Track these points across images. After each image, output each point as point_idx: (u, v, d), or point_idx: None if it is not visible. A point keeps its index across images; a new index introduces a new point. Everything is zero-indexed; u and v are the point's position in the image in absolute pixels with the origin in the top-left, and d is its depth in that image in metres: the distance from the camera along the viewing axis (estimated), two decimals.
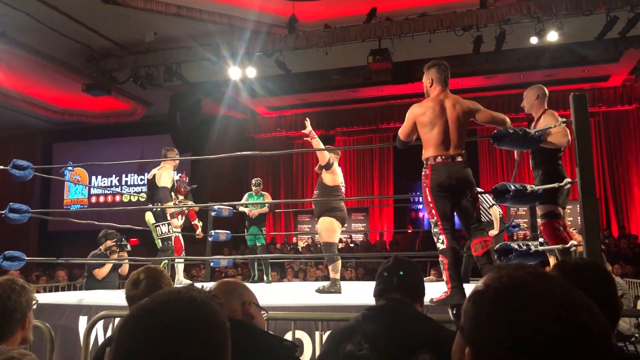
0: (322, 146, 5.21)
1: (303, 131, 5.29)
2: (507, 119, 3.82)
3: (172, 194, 6.10)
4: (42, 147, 15.97)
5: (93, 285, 6.21)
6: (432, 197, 3.63)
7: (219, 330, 0.86)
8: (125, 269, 6.64)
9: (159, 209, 5.82)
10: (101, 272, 6.09)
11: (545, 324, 0.70)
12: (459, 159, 3.66)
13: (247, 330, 1.77)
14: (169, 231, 5.85)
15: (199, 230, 7.06)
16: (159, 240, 5.83)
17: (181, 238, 6.97)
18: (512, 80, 11.85)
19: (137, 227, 6.58)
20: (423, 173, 3.71)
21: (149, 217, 5.99)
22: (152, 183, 5.93)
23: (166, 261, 5.70)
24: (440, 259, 3.63)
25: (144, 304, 0.85)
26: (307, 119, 5.38)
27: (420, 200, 16.06)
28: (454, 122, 3.66)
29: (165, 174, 5.87)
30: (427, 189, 3.66)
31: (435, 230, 3.65)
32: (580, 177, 3.20)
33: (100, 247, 6.09)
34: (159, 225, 5.80)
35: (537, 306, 0.71)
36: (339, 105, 14.08)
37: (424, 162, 3.71)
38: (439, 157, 3.63)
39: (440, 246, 3.61)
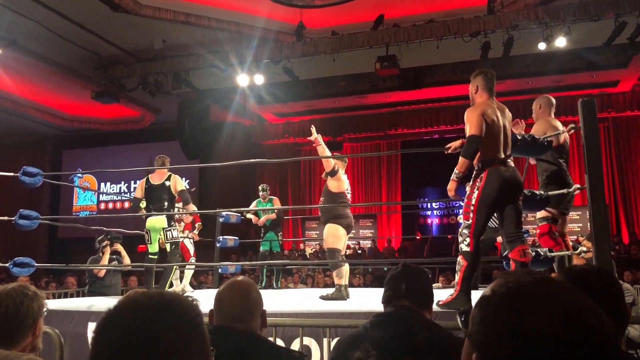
0: (327, 153, 5.22)
1: (309, 138, 5.29)
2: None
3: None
4: (51, 154, 16.08)
5: (96, 288, 6.28)
6: (482, 202, 3.50)
7: (189, 317, 0.89)
8: (126, 260, 6.67)
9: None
10: (100, 270, 6.28)
11: (551, 328, 0.70)
12: (511, 164, 3.59)
13: (254, 341, 1.77)
14: (177, 235, 5.88)
15: (196, 231, 7.14)
16: (168, 244, 5.83)
17: (188, 243, 7.00)
18: (520, 86, 11.82)
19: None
20: (476, 175, 3.58)
21: (162, 221, 5.91)
22: (162, 188, 5.87)
23: (176, 267, 5.73)
24: (459, 259, 3.56)
25: (118, 305, 0.89)
26: (312, 125, 5.38)
27: (428, 206, 16.05)
28: (506, 128, 3.61)
29: (179, 179, 5.92)
30: (477, 191, 3.52)
31: (465, 231, 3.53)
32: (589, 183, 3.19)
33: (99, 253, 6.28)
34: (170, 230, 5.79)
35: (543, 311, 0.72)
36: (347, 112, 14.08)
37: (479, 164, 3.57)
38: (497, 162, 3.52)
39: (464, 247, 3.51)
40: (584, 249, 3.74)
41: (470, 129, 3.52)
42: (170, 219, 5.81)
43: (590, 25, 8.19)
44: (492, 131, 3.51)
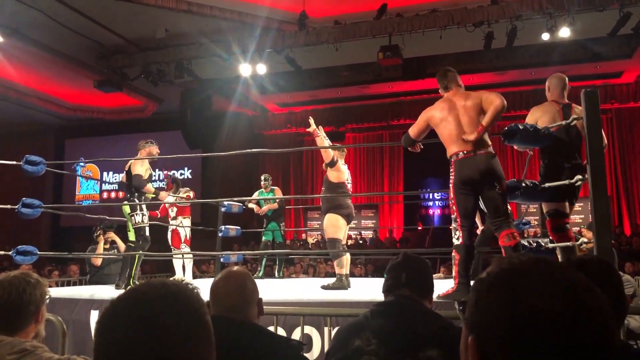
0: (326, 144, 5.24)
1: (308, 129, 5.32)
2: (499, 98, 3.64)
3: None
4: (54, 143, 16.09)
5: (97, 278, 6.32)
6: (455, 194, 3.65)
7: (192, 306, 0.88)
8: (121, 248, 6.69)
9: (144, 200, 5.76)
10: (97, 260, 6.38)
11: (545, 304, 0.69)
12: (482, 151, 3.62)
13: (253, 330, 1.79)
14: (142, 221, 5.64)
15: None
16: (133, 230, 5.67)
17: (182, 231, 7.02)
18: (524, 77, 11.78)
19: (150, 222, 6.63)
20: (450, 170, 3.71)
21: (126, 208, 5.79)
22: (127, 174, 5.88)
23: (140, 255, 5.59)
24: (452, 254, 3.64)
25: (122, 296, 0.89)
26: (311, 117, 5.42)
27: (431, 196, 16.05)
28: (465, 114, 3.65)
29: (139, 164, 5.78)
30: (451, 185, 3.68)
31: (454, 225, 3.67)
32: (591, 174, 3.18)
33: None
34: (133, 215, 5.63)
35: (537, 287, 0.71)
36: (349, 102, 14.05)
37: (449, 159, 3.72)
38: (461, 153, 3.63)
39: (455, 242, 3.63)
40: (585, 240, 3.73)
41: (412, 129, 3.97)
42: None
43: (594, 16, 8.14)
44: (447, 126, 3.68)
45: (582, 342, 0.68)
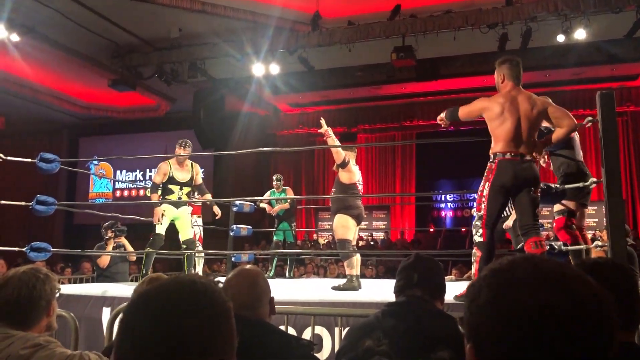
0: (337, 144, 5.24)
1: (319, 130, 5.31)
2: (570, 118, 3.58)
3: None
4: (68, 142, 16.23)
5: (105, 278, 6.36)
6: (490, 192, 3.55)
7: (218, 308, 0.87)
8: (132, 258, 6.76)
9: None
10: (103, 261, 6.36)
11: (531, 295, 0.67)
12: (528, 157, 3.56)
13: (264, 329, 1.79)
14: (158, 220, 5.79)
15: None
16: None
17: (196, 230, 7.07)
18: (538, 79, 11.68)
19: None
20: (488, 166, 3.61)
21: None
22: None
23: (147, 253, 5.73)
24: (474, 250, 3.59)
25: (146, 290, 0.88)
26: (322, 118, 5.40)
27: (443, 198, 15.99)
28: (526, 119, 3.55)
29: (158, 170, 5.93)
30: (487, 183, 3.57)
31: (477, 223, 3.59)
32: (605, 177, 3.15)
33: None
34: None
35: (521, 281, 0.69)
36: (362, 103, 14.04)
37: (491, 156, 3.61)
38: (508, 154, 3.53)
39: (477, 239, 3.56)
40: (599, 243, 3.70)
41: (463, 106, 3.78)
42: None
43: (610, 17, 8.06)
44: (503, 124, 3.53)
45: (576, 334, 0.65)
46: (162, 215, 5.75)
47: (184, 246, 5.90)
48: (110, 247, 6.45)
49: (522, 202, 3.58)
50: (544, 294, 0.66)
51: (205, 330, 0.83)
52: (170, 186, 5.90)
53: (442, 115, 3.94)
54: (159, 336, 0.81)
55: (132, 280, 6.76)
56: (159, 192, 5.95)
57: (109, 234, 6.41)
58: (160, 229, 5.76)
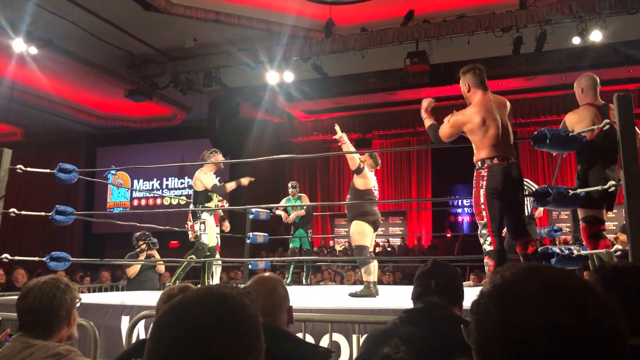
0: (353, 150, 5.24)
1: (334, 137, 5.31)
2: None
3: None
4: (86, 152, 16.42)
5: (133, 285, 6.40)
6: (486, 199, 3.57)
7: (249, 325, 0.86)
8: (161, 269, 6.83)
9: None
10: (132, 271, 6.42)
11: (538, 314, 0.65)
12: (513, 159, 3.63)
13: (281, 337, 1.78)
14: (199, 229, 5.92)
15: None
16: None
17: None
18: (554, 82, 11.59)
19: (177, 229, 6.72)
20: (477, 174, 3.64)
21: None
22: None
23: (192, 260, 5.80)
24: (485, 260, 3.58)
25: (176, 301, 0.87)
26: (336, 124, 5.40)
27: (459, 203, 15.88)
28: (504, 122, 3.63)
29: (202, 174, 6.00)
30: (481, 190, 3.60)
31: (483, 231, 3.60)
32: (625, 180, 3.11)
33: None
34: (195, 224, 5.98)
35: (531, 298, 0.67)
36: (376, 109, 14.02)
37: (479, 163, 3.64)
38: (495, 159, 3.57)
39: (486, 248, 3.57)
40: (619, 247, 3.63)
41: (443, 127, 3.82)
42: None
43: (627, 19, 7.98)
44: (487, 132, 3.58)
45: (586, 349, 0.63)
46: (205, 223, 5.87)
47: (208, 253, 5.96)
48: (142, 258, 6.50)
49: (513, 207, 3.64)
50: (551, 312, 0.65)
51: (235, 347, 0.82)
52: (210, 194, 6.01)
53: (425, 125, 4.06)
54: (187, 352, 0.80)
55: (160, 289, 6.83)
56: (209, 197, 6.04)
57: (142, 246, 6.46)
58: (207, 239, 5.86)
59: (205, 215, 5.93)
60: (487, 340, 0.70)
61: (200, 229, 5.87)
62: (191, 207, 6.32)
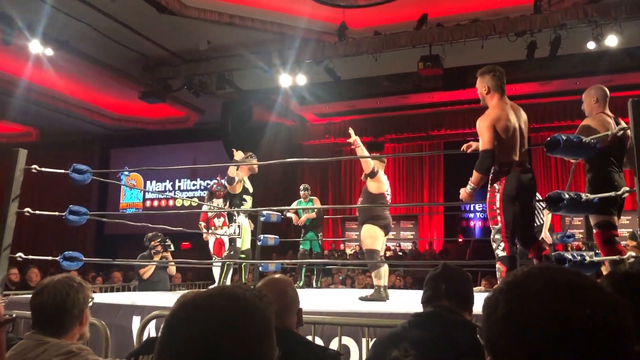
0: (366, 154, 5.21)
1: (348, 140, 5.28)
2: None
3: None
4: (99, 153, 16.57)
5: (145, 286, 6.43)
6: (503, 204, 3.52)
7: (259, 327, 0.86)
8: (172, 270, 6.85)
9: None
10: (145, 272, 6.45)
11: (546, 307, 0.66)
12: (528, 165, 3.65)
13: (292, 339, 1.79)
14: (233, 232, 6.00)
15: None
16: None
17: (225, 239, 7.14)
18: (568, 87, 11.50)
19: (189, 231, 6.74)
20: (493, 178, 3.59)
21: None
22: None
23: (227, 263, 5.86)
24: (497, 266, 3.56)
25: (189, 300, 0.87)
26: (350, 128, 5.37)
27: (471, 208, 15.78)
28: (522, 129, 3.63)
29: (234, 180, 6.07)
30: (497, 194, 3.56)
31: (497, 236, 3.57)
32: (638, 186, 3.08)
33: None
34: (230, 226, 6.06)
35: (539, 292, 0.69)
36: (389, 112, 14.00)
37: (497, 167, 3.57)
38: (513, 164, 3.55)
39: (499, 253, 3.54)
40: (632, 253, 3.60)
41: (482, 143, 3.53)
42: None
43: None
44: (508, 134, 3.53)
45: (592, 344, 0.64)
46: (241, 227, 5.95)
47: (243, 256, 6.00)
48: (156, 259, 6.54)
49: (526, 213, 3.61)
50: (560, 305, 0.66)
51: (242, 348, 0.82)
52: (245, 196, 6.06)
53: (476, 167, 3.59)
54: (195, 350, 0.80)
55: (171, 289, 6.87)
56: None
57: (157, 247, 6.49)
58: (240, 242, 5.99)
59: (241, 219, 5.96)
60: (495, 331, 0.71)
61: (234, 232, 5.93)
62: (226, 207, 6.38)
